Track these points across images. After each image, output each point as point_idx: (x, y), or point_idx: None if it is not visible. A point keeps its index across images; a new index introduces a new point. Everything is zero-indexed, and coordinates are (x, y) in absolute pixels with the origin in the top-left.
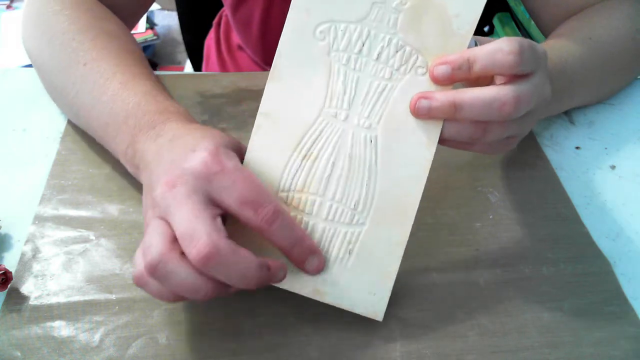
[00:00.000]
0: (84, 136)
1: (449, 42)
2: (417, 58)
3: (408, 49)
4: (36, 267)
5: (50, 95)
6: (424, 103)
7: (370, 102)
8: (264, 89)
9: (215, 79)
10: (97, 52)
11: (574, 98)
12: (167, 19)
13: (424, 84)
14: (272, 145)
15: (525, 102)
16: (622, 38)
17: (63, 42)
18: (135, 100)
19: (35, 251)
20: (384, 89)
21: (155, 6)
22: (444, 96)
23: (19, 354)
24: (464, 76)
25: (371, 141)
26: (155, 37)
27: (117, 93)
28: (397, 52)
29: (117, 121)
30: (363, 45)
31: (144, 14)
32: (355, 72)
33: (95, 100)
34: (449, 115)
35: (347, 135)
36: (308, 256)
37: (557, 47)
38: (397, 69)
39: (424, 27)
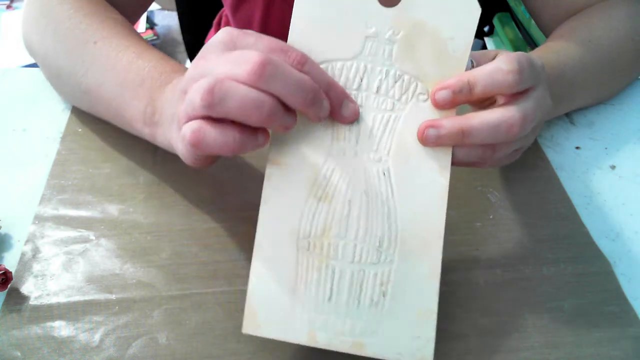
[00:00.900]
0: (84, 136)
1: (446, 65)
2: (417, 85)
3: (407, 77)
4: (36, 267)
5: (54, 83)
6: (431, 132)
7: (377, 135)
8: None
9: None
10: (107, 32)
11: (575, 100)
12: (167, 19)
13: (427, 111)
14: (286, 193)
15: (531, 119)
16: (622, 40)
17: (70, 27)
18: (151, 65)
19: (35, 251)
20: (388, 120)
21: (155, 6)
22: (451, 123)
23: (19, 354)
24: (466, 99)
25: (384, 174)
26: (155, 37)
27: (132, 61)
28: (395, 82)
29: (133, 86)
30: (361, 80)
31: (143, 12)
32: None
33: (108, 72)
34: (457, 142)
35: (359, 171)
36: (344, 99)
37: (556, 50)
38: (399, 99)
39: (419, 54)
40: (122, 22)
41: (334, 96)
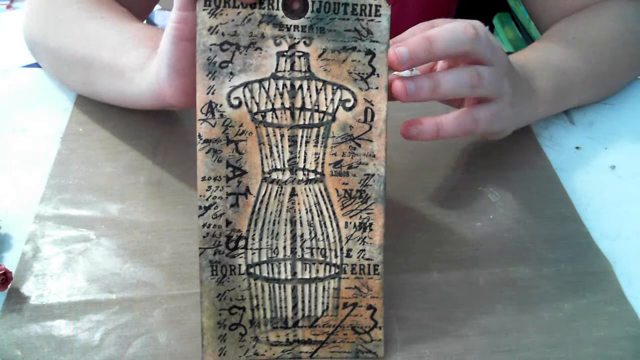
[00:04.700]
0: (85, 136)
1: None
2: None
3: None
4: (37, 266)
5: (53, 65)
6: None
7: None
8: None
9: None
10: (115, 14)
11: (574, 97)
12: (167, 19)
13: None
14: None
15: (484, 33)
16: (615, 39)
17: (77, 9)
18: (157, 30)
19: (36, 250)
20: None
21: (155, 6)
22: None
23: (19, 353)
24: (425, 57)
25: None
26: None
27: (138, 28)
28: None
29: (140, 37)
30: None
31: (149, 13)
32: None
33: (111, 32)
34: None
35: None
36: None
37: (546, 48)
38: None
39: None
40: (129, 13)
41: None
